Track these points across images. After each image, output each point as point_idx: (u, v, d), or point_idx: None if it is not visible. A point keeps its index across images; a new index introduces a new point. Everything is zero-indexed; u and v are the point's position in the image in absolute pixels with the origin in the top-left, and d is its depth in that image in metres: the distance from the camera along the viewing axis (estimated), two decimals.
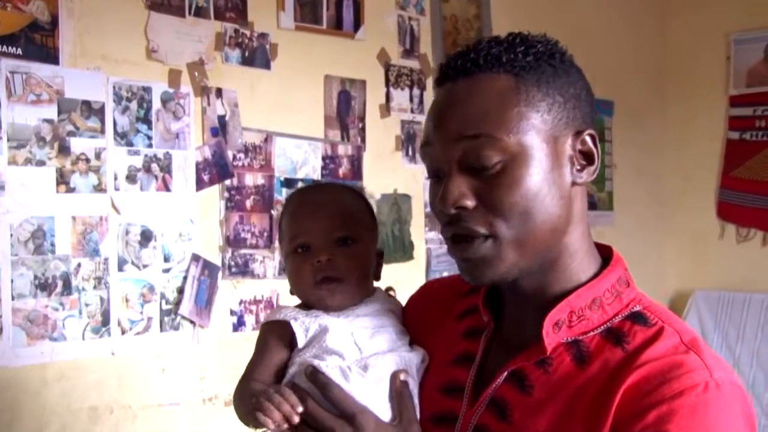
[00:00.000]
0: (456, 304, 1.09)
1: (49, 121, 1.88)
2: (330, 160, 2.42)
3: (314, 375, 0.99)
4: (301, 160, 2.35)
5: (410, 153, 2.63)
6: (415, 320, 1.13)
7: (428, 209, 2.67)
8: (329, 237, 1.09)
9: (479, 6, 2.85)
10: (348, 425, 0.95)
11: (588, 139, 0.91)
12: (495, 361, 0.95)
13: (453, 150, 0.88)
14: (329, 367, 1.00)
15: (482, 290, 1.01)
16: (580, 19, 3.14)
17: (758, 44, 3.24)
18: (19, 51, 1.83)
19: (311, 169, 2.37)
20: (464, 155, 0.88)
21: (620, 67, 3.32)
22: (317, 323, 1.06)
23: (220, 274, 2.17)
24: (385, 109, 2.57)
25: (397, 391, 1.00)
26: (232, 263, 2.20)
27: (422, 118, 2.66)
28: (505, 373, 0.92)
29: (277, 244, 2.25)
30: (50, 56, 1.88)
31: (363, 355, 1.02)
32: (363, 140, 2.51)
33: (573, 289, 0.91)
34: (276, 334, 1.08)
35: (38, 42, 1.86)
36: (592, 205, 3.17)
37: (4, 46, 1.81)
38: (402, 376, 1.01)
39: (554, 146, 0.88)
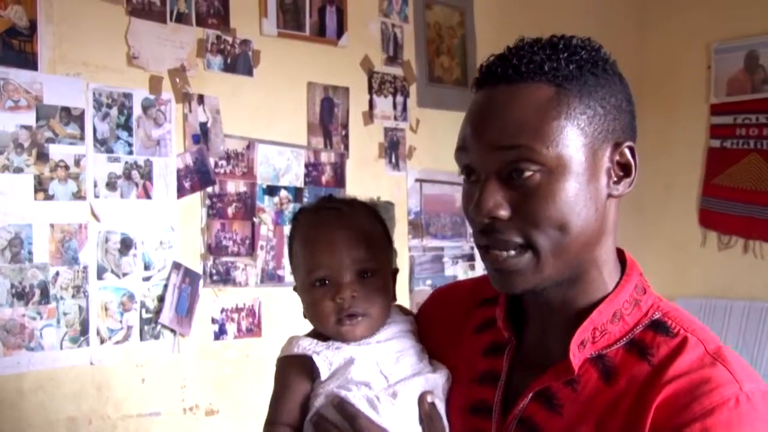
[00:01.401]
0: (471, 316, 1.08)
1: (28, 128, 1.85)
2: (313, 168, 2.41)
3: (342, 406, 0.97)
4: (283, 167, 2.34)
5: (393, 160, 2.62)
6: (429, 333, 1.12)
7: (411, 217, 2.66)
8: (350, 270, 1.04)
9: (462, 14, 2.86)
10: None
11: (627, 151, 0.90)
12: (520, 379, 0.95)
13: (490, 158, 0.87)
14: (356, 398, 0.97)
15: (500, 304, 0.99)
16: (562, 28, 3.14)
17: (738, 53, 3.27)
18: None
19: (294, 176, 2.36)
20: (501, 165, 0.87)
21: None
22: (341, 356, 1.03)
23: (201, 282, 2.15)
24: (369, 117, 2.56)
25: (427, 414, 0.98)
26: (214, 271, 2.18)
27: (405, 125, 2.65)
28: (531, 393, 0.91)
29: (259, 251, 2.24)
30: (29, 62, 1.86)
31: (390, 382, 1.01)
32: (346, 147, 2.50)
33: (599, 300, 0.91)
34: (296, 368, 1.04)
35: (16, 47, 1.84)
36: None
37: None
38: (429, 398, 0.99)
39: (592, 159, 0.87)
